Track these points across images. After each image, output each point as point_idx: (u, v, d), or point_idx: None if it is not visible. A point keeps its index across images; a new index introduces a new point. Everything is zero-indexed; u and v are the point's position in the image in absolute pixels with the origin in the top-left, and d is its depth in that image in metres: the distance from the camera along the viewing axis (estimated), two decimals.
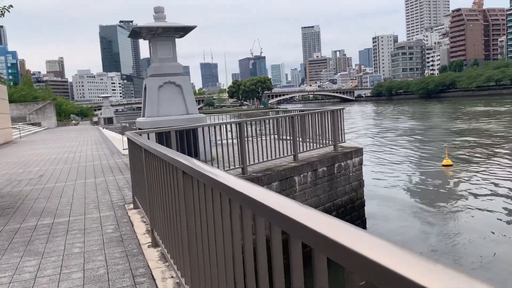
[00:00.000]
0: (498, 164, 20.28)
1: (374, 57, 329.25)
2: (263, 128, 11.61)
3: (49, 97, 77.45)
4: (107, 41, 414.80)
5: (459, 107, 78.60)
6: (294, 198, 7.01)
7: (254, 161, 9.25)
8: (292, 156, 10.21)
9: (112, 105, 57.87)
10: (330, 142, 11.39)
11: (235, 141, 9.10)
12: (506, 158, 21.61)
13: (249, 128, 10.36)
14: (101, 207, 6.92)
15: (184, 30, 11.61)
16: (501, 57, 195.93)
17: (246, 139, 8.99)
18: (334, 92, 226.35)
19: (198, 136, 11.41)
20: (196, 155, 10.93)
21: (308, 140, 10.84)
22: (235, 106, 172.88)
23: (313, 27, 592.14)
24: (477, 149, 24.86)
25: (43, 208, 7.07)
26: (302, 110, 14.51)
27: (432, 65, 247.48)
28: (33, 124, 54.95)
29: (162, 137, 8.43)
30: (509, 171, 18.28)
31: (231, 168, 8.83)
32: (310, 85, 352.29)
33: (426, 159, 22.92)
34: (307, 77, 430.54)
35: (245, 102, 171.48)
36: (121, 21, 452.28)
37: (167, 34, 11.57)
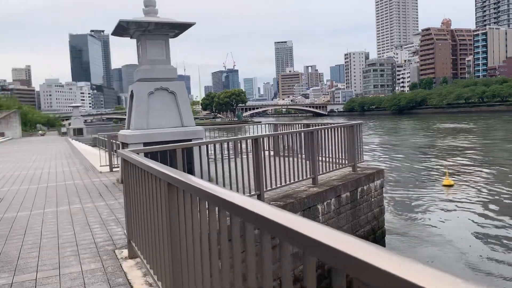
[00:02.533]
0: (498, 182, 19.18)
1: (346, 73, 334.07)
2: (273, 145, 9.88)
3: (14, 106, 73.43)
4: (77, 50, 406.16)
5: (432, 123, 79.11)
6: None
7: (271, 186, 7.50)
8: (311, 178, 8.52)
9: (82, 116, 54.86)
10: (346, 161, 9.78)
11: (230, 157, 7.32)
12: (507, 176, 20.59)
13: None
14: (82, 253, 5.00)
15: (180, 28, 9.82)
16: (468, 76, 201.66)
17: (263, 159, 7.24)
18: (307, 106, 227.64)
19: (193, 153, 9.60)
20: (191, 173, 9.09)
21: (325, 159, 9.18)
22: (208, 118, 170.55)
23: (286, 42, 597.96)
24: (473, 167, 23.85)
25: None
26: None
27: (402, 82, 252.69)
28: None
29: (156, 157, 6.58)
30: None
31: (245, 194, 7.05)
32: (283, 99, 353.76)
33: (423, 178, 21.66)
34: (279, 91, 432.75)
35: (218, 115, 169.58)
36: (92, 30, 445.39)
37: (159, 32, 9.75)
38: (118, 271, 4.37)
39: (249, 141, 7.13)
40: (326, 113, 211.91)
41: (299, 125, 13.42)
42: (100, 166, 13.49)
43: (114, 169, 13.13)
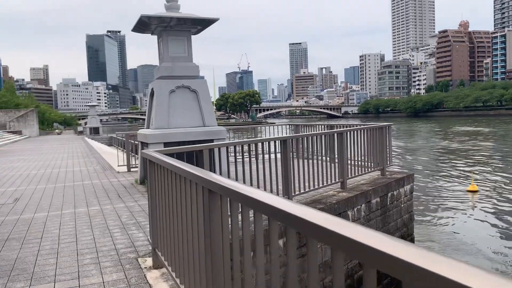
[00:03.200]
0: None
1: (361, 75, 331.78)
2: (296, 147, 9.45)
3: (32, 105, 74.22)
4: (94, 50, 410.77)
5: (450, 126, 77.66)
6: None
7: (299, 190, 7.07)
8: (340, 183, 8.07)
9: (98, 115, 55.05)
10: (375, 165, 9.29)
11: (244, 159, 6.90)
12: None
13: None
14: (102, 261, 4.64)
15: (202, 24, 9.45)
16: (486, 79, 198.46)
17: (292, 161, 6.82)
18: (321, 108, 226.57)
19: (214, 154, 9.22)
20: None
21: (353, 162, 8.72)
22: (222, 119, 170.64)
23: (300, 43, 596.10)
24: (496, 172, 23.08)
25: (15, 261, 4.76)
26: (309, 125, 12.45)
27: (418, 84, 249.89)
28: (13, 133, 51.88)
29: (182, 157, 6.21)
30: None
31: None
32: (297, 101, 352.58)
33: (446, 182, 20.98)
34: (293, 93, 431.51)
35: (232, 116, 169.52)
36: (108, 31, 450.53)
37: (181, 28, 9.40)
38: (142, 283, 3.99)
39: (277, 142, 6.70)
40: (340, 115, 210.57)
41: (322, 126, 12.97)
42: (118, 166, 13.21)
43: (132, 169, 12.83)
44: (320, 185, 7.51)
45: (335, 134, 7.96)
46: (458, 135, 53.12)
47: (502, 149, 35.45)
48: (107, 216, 6.86)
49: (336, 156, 8.07)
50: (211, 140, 9.32)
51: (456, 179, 21.50)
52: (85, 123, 79.23)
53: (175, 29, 9.35)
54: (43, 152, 24.40)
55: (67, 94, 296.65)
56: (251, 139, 6.49)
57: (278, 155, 6.94)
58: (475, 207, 16.09)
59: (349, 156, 8.42)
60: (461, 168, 24.65)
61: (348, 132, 8.27)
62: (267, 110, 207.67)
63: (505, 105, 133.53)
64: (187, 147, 5.54)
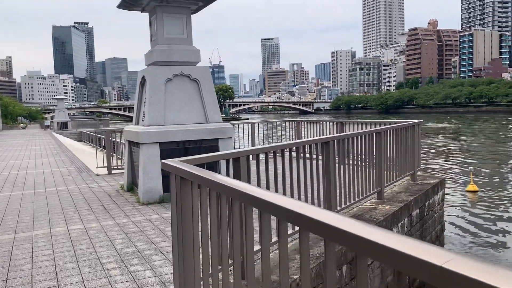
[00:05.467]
0: None
1: (332, 71, 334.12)
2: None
3: None
4: (61, 42, 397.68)
5: (423, 122, 78.16)
6: None
7: (341, 205, 5.65)
8: (377, 192, 6.69)
9: (66, 109, 52.05)
10: (405, 168, 7.98)
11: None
12: None
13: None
14: None
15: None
16: (454, 76, 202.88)
17: (335, 169, 5.38)
18: (293, 104, 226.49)
19: (219, 150, 7.71)
20: None
21: (387, 167, 7.36)
22: None
23: (272, 39, 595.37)
24: (493, 170, 22.39)
25: None
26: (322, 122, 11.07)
27: (388, 81, 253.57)
28: None
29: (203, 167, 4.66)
30: None
31: None
32: (269, 96, 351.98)
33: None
34: (266, 88, 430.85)
35: None
36: (76, 22, 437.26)
37: (180, 3, 7.79)
38: None
39: (319, 144, 5.24)
40: (313, 111, 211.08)
41: (330, 123, 11.60)
42: (97, 167, 11.44)
43: (113, 171, 11.11)
44: (360, 197, 6.11)
45: (373, 135, 6.56)
46: (431, 132, 53.08)
47: (478, 145, 35.20)
48: (95, 240, 5.24)
49: (369, 160, 6.68)
50: (216, 140, 7.81)
51: (452, 178, 20.64)
52: (52, 117, 75.65)
53: (172, 4, 7.73)
54: (7, 149, 22.14)
55: (32, 87, 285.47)
56: (287, 143, 4.98)
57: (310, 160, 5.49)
58: (478, 207, 15.14)
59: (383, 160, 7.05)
60: (459, 166, 23.90)
61: (384, 132, 6.89)
62: (241, 105, 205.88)
63: (473, 102, 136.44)
64: (219, 154, 4.00)
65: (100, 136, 20.18)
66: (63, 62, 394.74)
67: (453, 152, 30.97)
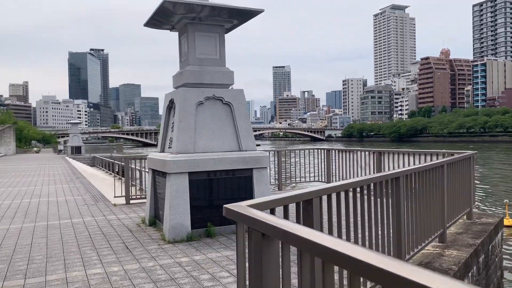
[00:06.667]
0: None
1: (344, 99, 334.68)
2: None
3: (10, 121, 70.50)
4: (76, 68, 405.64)
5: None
6: None
7: (412, 249, 4.76)
8: (439, 235, 5.78)
9: (80, 133, 51.90)
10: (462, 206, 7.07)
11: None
12: None
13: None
14: None
15: (242, 16, 7.22)
16: (467, 105, 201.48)
17: (405, 209, 4.53)
18: (305, 130, 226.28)
19: (254, 181, 6.98)
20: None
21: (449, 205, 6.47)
22: None
23: (284, 67, 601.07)
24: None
25: None
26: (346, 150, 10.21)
27: (400, 109, 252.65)
28: None
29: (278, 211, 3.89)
30: None
31: None
32: (280, 123, 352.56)
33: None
34: (277, 115, 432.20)
35: None
36: (91, 49, 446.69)
37: (214, 21, 7.16)
38: None
39: (388, 181, 4.41)
40: (324, 138, 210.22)
41: (369, 152, 10.73)
42: (114, 197, 10.67)
43: (131, 201, 10.33)
44: (426, 241, 5.22)
45: (437, 168, 5.70)
46: None
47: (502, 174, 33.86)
48: None
49: (431, 196, 5.81)
50: (250, 170, 7.01)
51: (488, 210, 19.46)
52: (65, 142, 75.79)
53: (205, 22, 7.09)
54: (20, 173, 21.57)
55: (46, 112, 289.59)
56: (362, 179, 4.16)
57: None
58: None
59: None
60: (488, 197, 22.71)
61: (447, 165, 6.03)
62: (254, 131, 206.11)
63: (489, 132, 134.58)
64: (290, 197, 3.18)
65: (114, 162, 19.52)
66: (77, 87, 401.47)
67: (481, 182, 29.74)
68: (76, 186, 14.64)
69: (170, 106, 7.47)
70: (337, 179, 11.86)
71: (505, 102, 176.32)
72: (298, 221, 2.93)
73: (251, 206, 2.41)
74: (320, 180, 12.33)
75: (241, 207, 2.32)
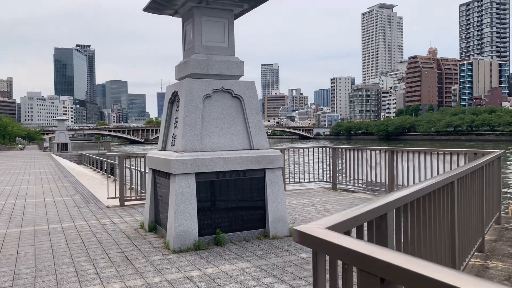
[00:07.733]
0: None
1: (332, 97, 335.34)
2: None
3: None
4: (62, 64, 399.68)
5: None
6: None
7: (461, 263, 4.15)
8: (478, 244, 5.19)
9: (67, 130, 50.49)
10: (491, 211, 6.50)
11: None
12: None
13: None
14: None
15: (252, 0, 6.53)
16: (454, 104, 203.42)
17: (459, 216, 3.91)
18: (293, 129, 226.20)
19: (266, 182, 6.33)
20: (263, 220, 5.86)
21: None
22: None
23: (272, 65, 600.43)
24: None
25: None
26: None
27: (388, 108, 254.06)
28: None
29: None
30: None
31: None
32: (268, 121, 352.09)
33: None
34: (265, 113, 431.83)
35: None
36: (78, 45, 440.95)
37: (222, 4, 6.45)
38: None
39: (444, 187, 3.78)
40: (312, 136, 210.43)
41: (380, 151, 10.12)
42: (108, 198, 9.89)
43: (126, 203, 9.58)
44: (471, 251, 4.61)
45: (478, 170, 5.08)
46: None
47: None
48: None
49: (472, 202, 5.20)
50: (262, 171, 6.33)
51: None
52: (50, 138, 74.23)
53: (213, 6, 6.39)
54: (4, 172, 20.57)
55: (31, 108, 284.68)
56: (425, 186, 3.52)
57: None
58: None
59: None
60: None
61: (486, 166, 5.43)
62: None
63: (476, 130, 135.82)
64: (366, 211, 2.51)
65: (103, 160, 18.66)
66: (63, 84, 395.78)
67: None
68: (65, 186, 13.80)
69: (173, 99, 6.75)
70: (344, 180, 11.26)
71: (491, 101, 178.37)
72: (370, 242, 2.26)
73: (330, 228, 1.74)
74: (325, 180, 11.70)
75: (321, 232, 1.64)
